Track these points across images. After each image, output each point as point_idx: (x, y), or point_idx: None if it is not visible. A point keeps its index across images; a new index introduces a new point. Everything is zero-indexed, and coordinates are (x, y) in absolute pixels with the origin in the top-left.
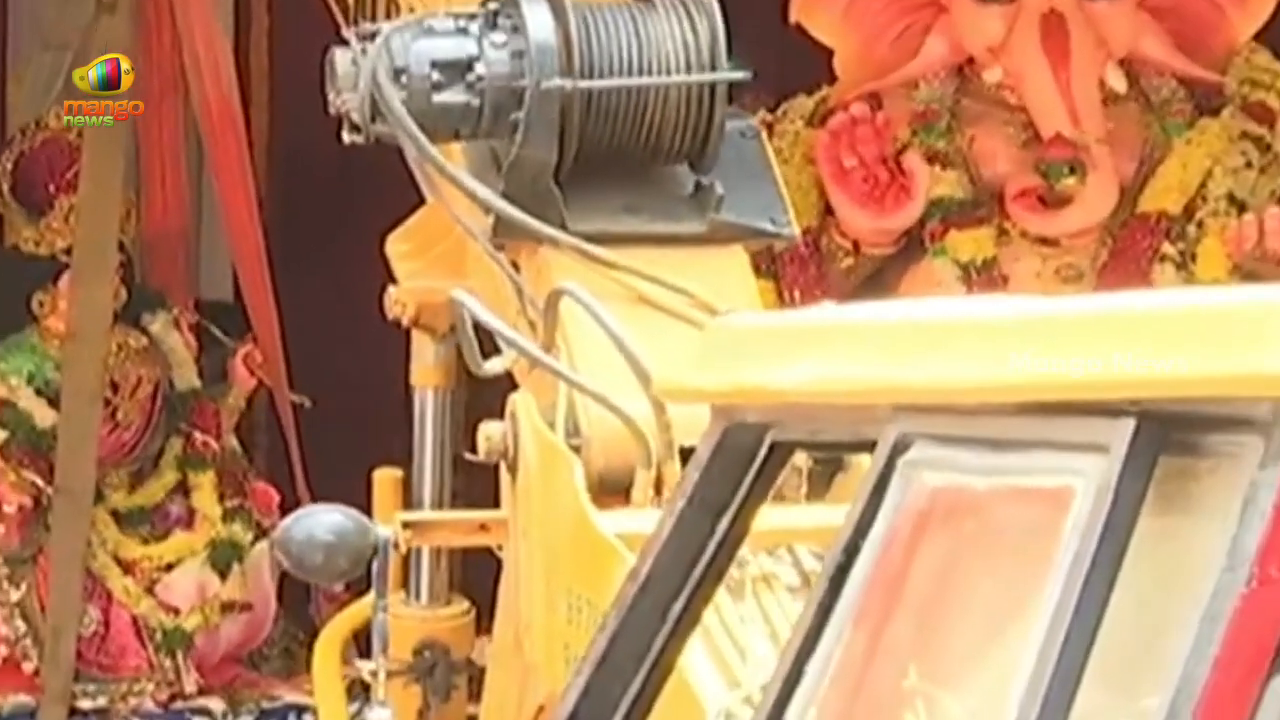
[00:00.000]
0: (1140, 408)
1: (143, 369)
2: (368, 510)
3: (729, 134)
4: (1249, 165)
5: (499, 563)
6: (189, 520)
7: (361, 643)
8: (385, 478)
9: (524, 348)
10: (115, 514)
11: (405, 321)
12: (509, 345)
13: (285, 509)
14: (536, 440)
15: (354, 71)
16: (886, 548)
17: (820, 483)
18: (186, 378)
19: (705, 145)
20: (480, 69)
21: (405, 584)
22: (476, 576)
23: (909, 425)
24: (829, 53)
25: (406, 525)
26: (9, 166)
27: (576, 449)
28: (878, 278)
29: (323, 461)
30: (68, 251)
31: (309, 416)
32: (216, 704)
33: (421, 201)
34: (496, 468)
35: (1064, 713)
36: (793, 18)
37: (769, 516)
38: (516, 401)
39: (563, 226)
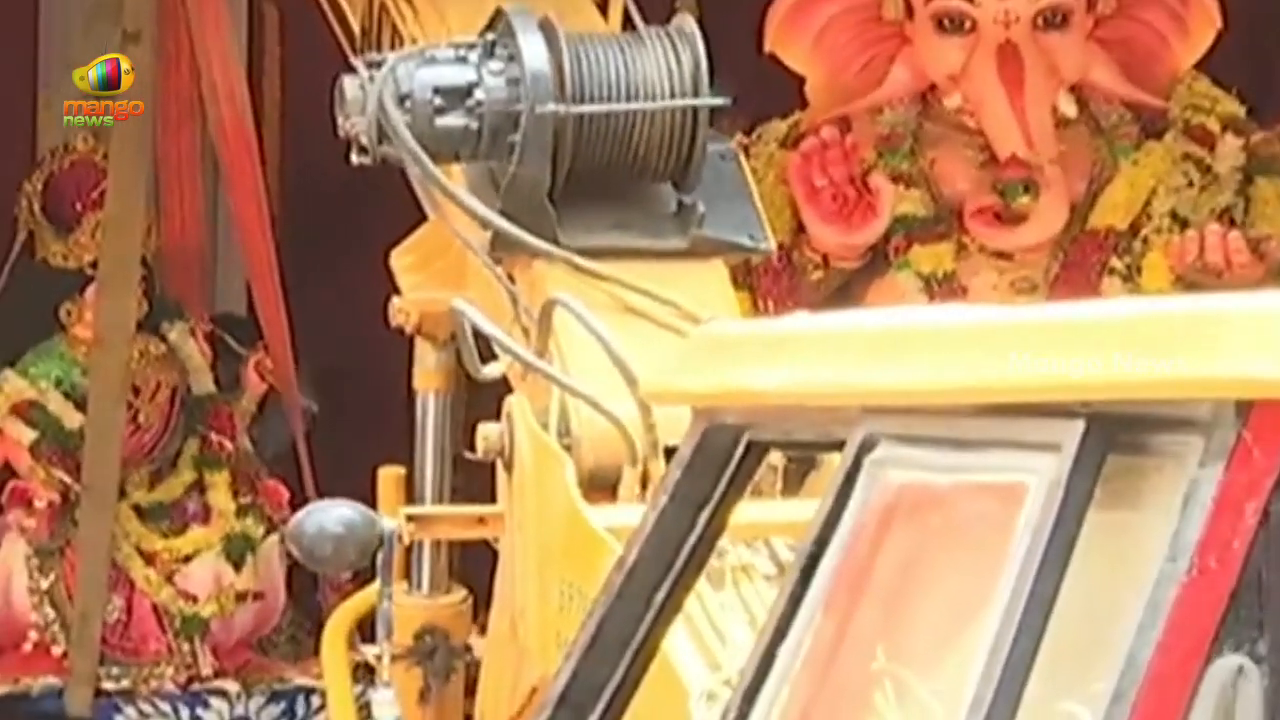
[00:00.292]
0: (1089, 410)
1: (162, 375)
2: (373, 505)
3: (709, 156)
4: (1190, 185)
5: (495, 554)
6: (205, 515)
7: (366, 629)
8: (389, 475)
9: (519, 354)
10: (137, 509)
11: (408, 330)
12: (505, 351)
13: (295, 505)
14: (531, 440)
15: (361, 97)
16: (854, 540)
17: (794, 479)
18: (203, 383)
19: (688, 166)
20: (479, 95)
21: (407, 574)
22: (474, 567)
23: (875, 426)
24: (801, 81)
25: (409, 519)
26: (39, 186)
27: (568, 448)
28: (846, 289)
29: (331, 460)
30: (94, 265)
31: (318, 418)
32: (231, 686)
33: (424, 218)
34: (493, 466)
35: (1018, 694)
36: (767, 48)
37: (746, 511)
38: (512, 404)
39: (556, 241)
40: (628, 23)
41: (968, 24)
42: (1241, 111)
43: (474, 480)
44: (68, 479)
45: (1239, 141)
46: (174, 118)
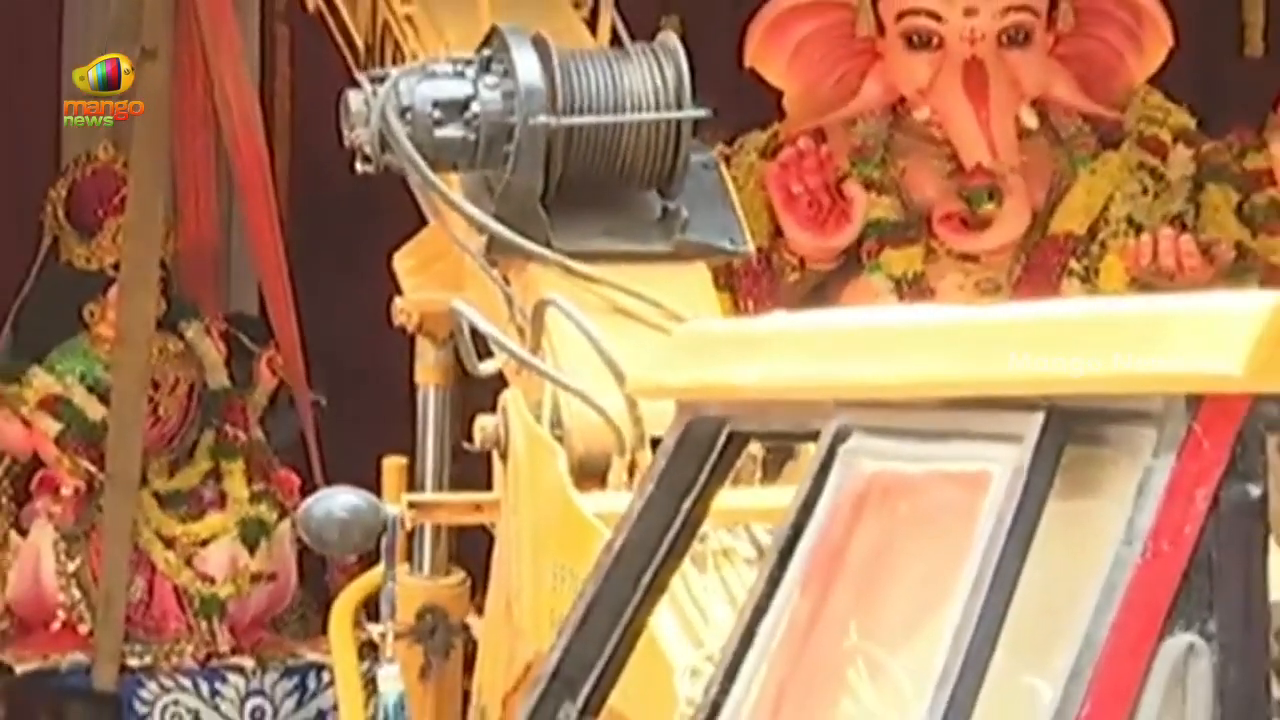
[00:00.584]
0: (1049, 403)
1: (180, 370)
2: (377, 493)
3: (692, 165)
4: (1145, 192)
5: (491, 539)
6: (221, 502)
7: (371, 608)
8: (392, 464)
9: (514, 351)
10: (157, 496)
11: (410, 328)
12: (501, 349)
13: (305, 492)
14: (525, 431)
15: (366, 110)
16: (829, 525)
17: (773, 468)
18: (218, 379)
19: (672, 174)
20: (476, 108)
21: (409, 557)
22: (472, 550)
23: (848, 418)
24: (779, 94)
25: (411, 505)
26: (64, 193)
27: (560, 439)
28: (821, 290)
29: (338, 450)
30: (115, 267)
31: (326, 410)
32: (248, 662)
33: (424, 223)
34: (490, 455)
35: (983, 669)
36: (747, 63)
37: (727, 498)
38: (507, 398)
39: (548, 245)
40: (615, 39)
41: (935, 41)
42: (1192, 123)
43: (471, 469)
44: (92, 468)
45: (1190, 151)
46: (189, 129)
